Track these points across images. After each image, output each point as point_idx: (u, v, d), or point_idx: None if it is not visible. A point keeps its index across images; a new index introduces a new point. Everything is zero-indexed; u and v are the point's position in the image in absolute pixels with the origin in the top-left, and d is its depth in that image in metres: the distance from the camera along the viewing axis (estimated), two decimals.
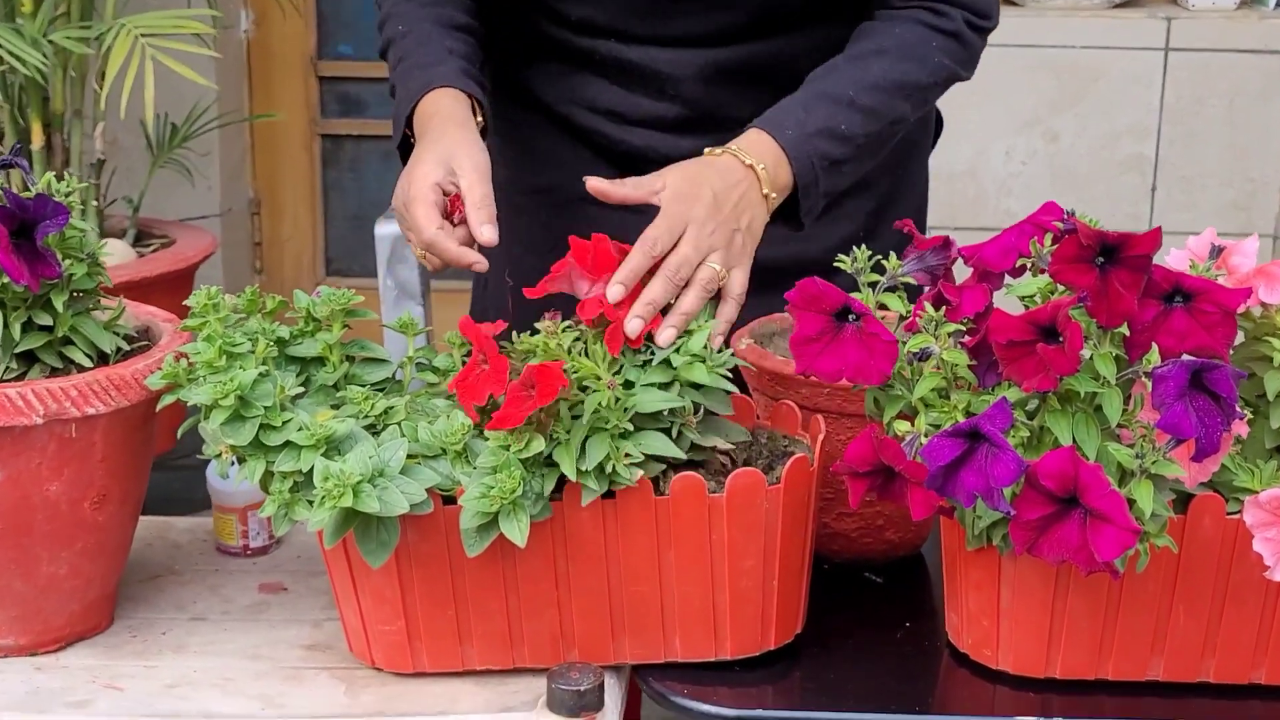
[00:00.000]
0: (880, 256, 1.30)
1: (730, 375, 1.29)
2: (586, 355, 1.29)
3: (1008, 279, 1.27)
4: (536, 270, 1.37)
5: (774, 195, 1.48)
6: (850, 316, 1.22)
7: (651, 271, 1.35)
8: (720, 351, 1.29)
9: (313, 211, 3.68)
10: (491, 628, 1.30)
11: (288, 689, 1.31)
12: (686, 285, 1.36)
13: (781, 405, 1.40)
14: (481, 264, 1.41)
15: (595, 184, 1.42)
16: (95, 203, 2.65)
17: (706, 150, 1.49)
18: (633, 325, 1.31)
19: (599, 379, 1.24)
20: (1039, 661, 1.30)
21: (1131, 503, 1.15)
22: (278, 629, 1.42)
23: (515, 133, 1.73)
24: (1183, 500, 1.25)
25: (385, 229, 2.03)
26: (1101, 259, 1.17)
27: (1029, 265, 1.24)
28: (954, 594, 1.34)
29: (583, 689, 1.25)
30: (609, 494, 1.25)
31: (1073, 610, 1.27)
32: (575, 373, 1.26)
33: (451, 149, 1.46)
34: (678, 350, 1.29)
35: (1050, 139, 3.41)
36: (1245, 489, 1.25)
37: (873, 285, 1.29)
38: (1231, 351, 1.37)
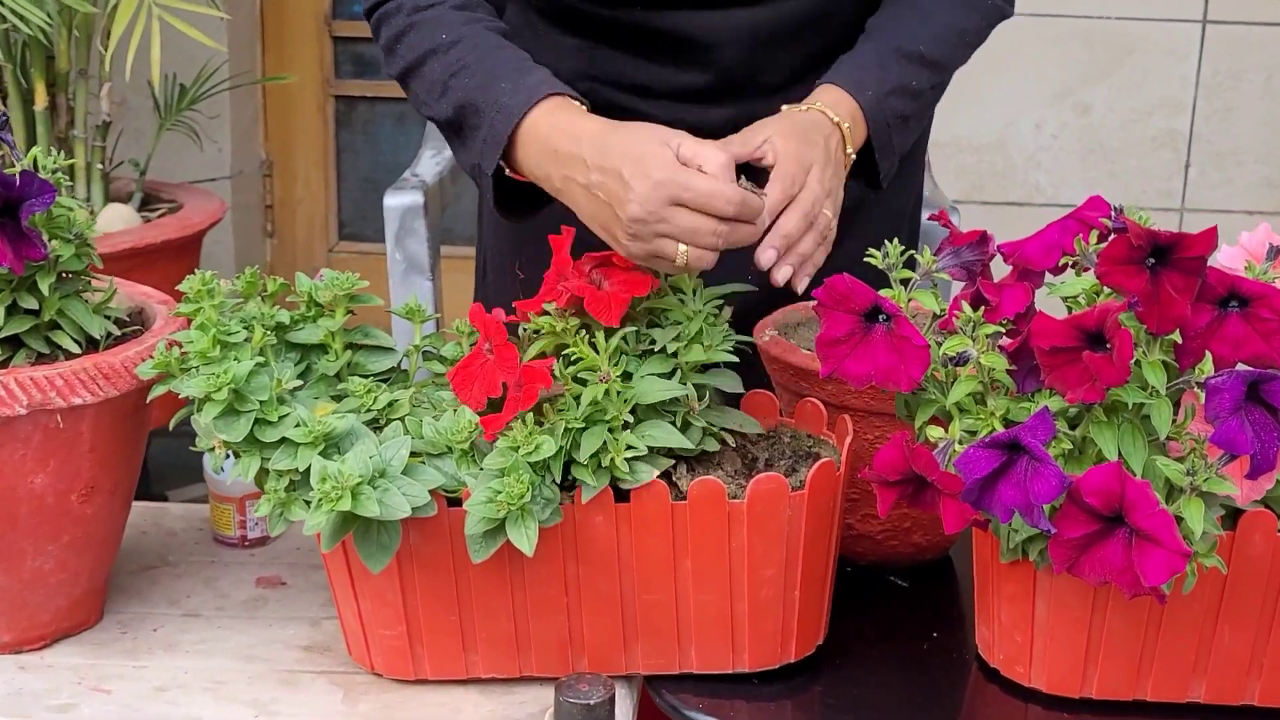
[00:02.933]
0: (911, 250, 1.22)
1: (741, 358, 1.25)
2: (592, 343, 1.22)
3: (1049, 278, 1.19)
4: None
5: (852, 155, 1.43)
6: (881, 317, 1.15)
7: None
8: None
9: (325, 174, 3.60)
10: (497, 634, 1.23)
11: (282, 694, 1.25)
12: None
13: (806, 403, 1.33)
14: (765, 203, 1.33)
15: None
16: (100, 166, 2.59)
17: (786, 107, 1.43)
18: (783, 272, 1.29)
19: (594, 371, 1.18)
20: (1075, 681, 1.23)
21: (1179, 520, 1.08)
22: (274, 628, 1.36)
23: None
24: (1230, 515, 1.18)
25: (395, 200, 1.96)
26: (1153, 260, 1.09)
27: (1073, 264, 1.17)
28: (985, 607, 1.27)
29: (592, 702, 1.18)
30: (623, 497, 1.19)
31: (1111, 628, 1.20)
32: (575, 361, 1.20)
33: (650, 127, 1.32)
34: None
35: (1081, 112, 3.32)
36: None
37: (905, 282, 1.22)
38: None
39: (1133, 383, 1.09)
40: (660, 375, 1.23)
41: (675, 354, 1.24)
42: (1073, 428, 1.13)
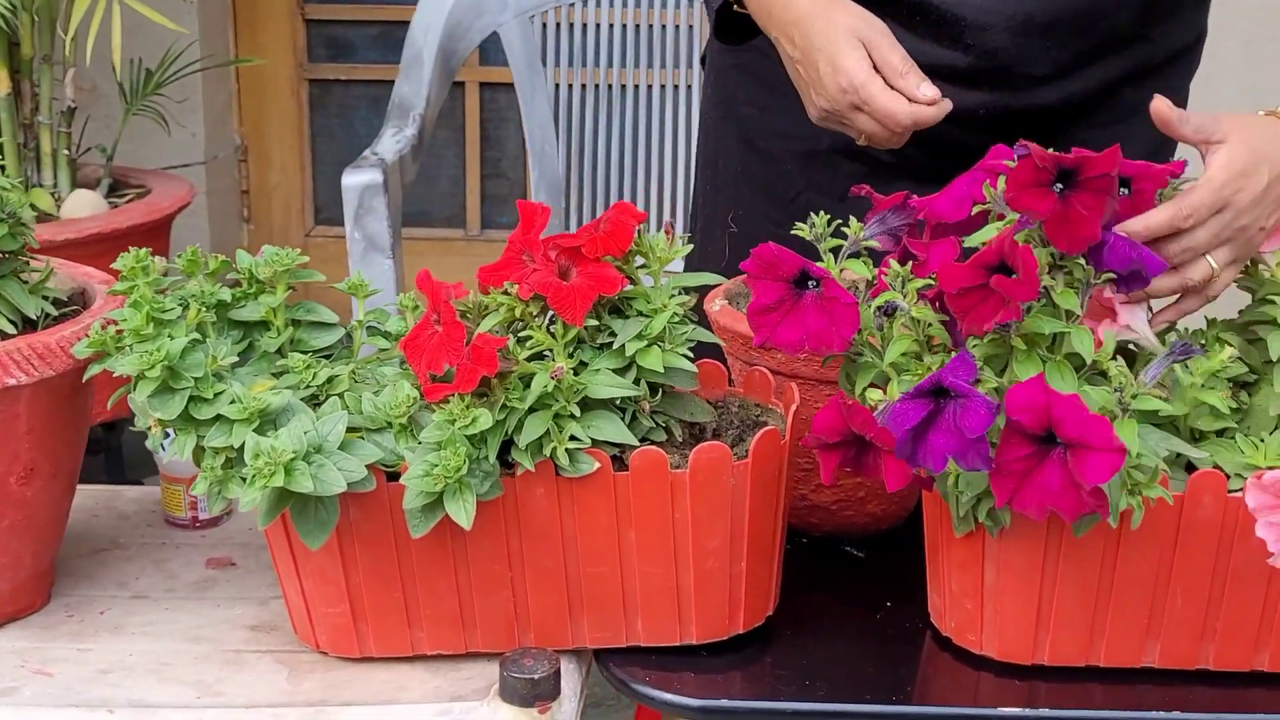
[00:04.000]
0: (841, 222, 1.21)
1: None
2: (549, 327, 1.19)
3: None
4: (767, 220, 1.29)
5: None
6: (810, 283, 1.13)
7: None
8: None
9: (300, 158, 3.58)
10: (441, 610, 1.22)
11: (227, 675, 1.24)
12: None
13: (754, 372, 1.32)
14: (946, 105, 1.39)
15: (1162, 106, 1.26)
16: (66, 151, 2.57)
17: (1273, 110, 1.33)
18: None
19: (543, 359, 1.16)
20: (1026, 647, 1.21)
21: None
22: (222, 608, 1.34)
23: (770, 71, 1.59)
24: (1184, 472, 1.16)
25: (353, 179, 1.95)
26: (1060, 184, 1.08)
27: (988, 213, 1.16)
28: (936, 574, 1.26)
29: (537, 677, 1.17)
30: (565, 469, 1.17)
31: (1061, 594, 1.19)
32: (529, 344, 1.18)
33: (854, 16, 1.42)
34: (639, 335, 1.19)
35: None
36: (1249, 464, 1.16)
37: (835, 251, 1.20)
38: (1239, 313, 1.28)
39: (1046, 313, 1.08)
40: (615, 370, 1.20)
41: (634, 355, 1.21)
42: (1001, 374, 1.11)
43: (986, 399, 1.04)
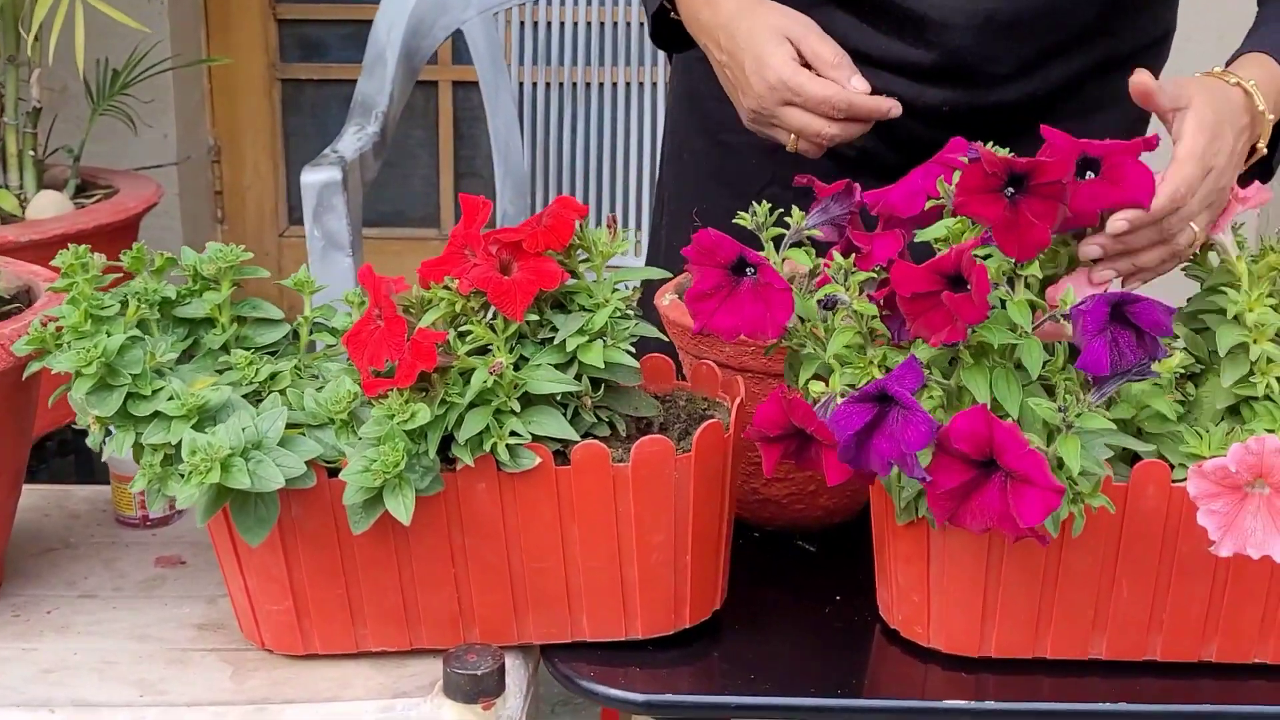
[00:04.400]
0: (783, 211, 1.20)
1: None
2: (490, 322, 1.19)
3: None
4: (731, 214, 1.27)
5: (1263, 149, 1.34)
6: (747, 270, 1.13)
7: None
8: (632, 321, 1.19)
9: (274, 158, 3.57)
10: (385, 607, 1.21)
11: (171, 674, 1.23)
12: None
13: (700, 366, 1.31)
14: (896, 109, 1.39)
15: (1142, 77, 1.25)
16: (32, 152, 2.56)
17: (1211, 72, 1.34)
18: (1102, 274, 1.22)
19: (485, 354, 1.15)
20: (973, 640, 1.21)
21: (1061, 462, 1.06)
22: (170, 606, 1.34)
23: None
24: (1127, 464, 1.16)
25: (312, 176, 1.94)
26: (1010, 189, 1.08)
27: (944, 208, 1.15)
28: (883, 567, 1.25)
29: (480, 673, 1.17)
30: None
31: (1007, 584, 1.18)
32: (470, 340, 1.17)
33: (779, 15, 1.42)
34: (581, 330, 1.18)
35: None
36: (1193, 454, 1.16)
37: (777, 241, 1.20)
38: (1186, 301, 1.28)
39: (999, 324, 1.07)
40: (556, 365, 1.19)
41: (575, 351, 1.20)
42: (947, 377, 1.11)
43: (929, 417, 1.03)
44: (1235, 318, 1.18)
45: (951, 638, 1.21)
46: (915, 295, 1.05)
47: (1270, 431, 1.14)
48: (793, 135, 1.40)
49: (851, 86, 1.38)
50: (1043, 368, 1.08)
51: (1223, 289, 1.22)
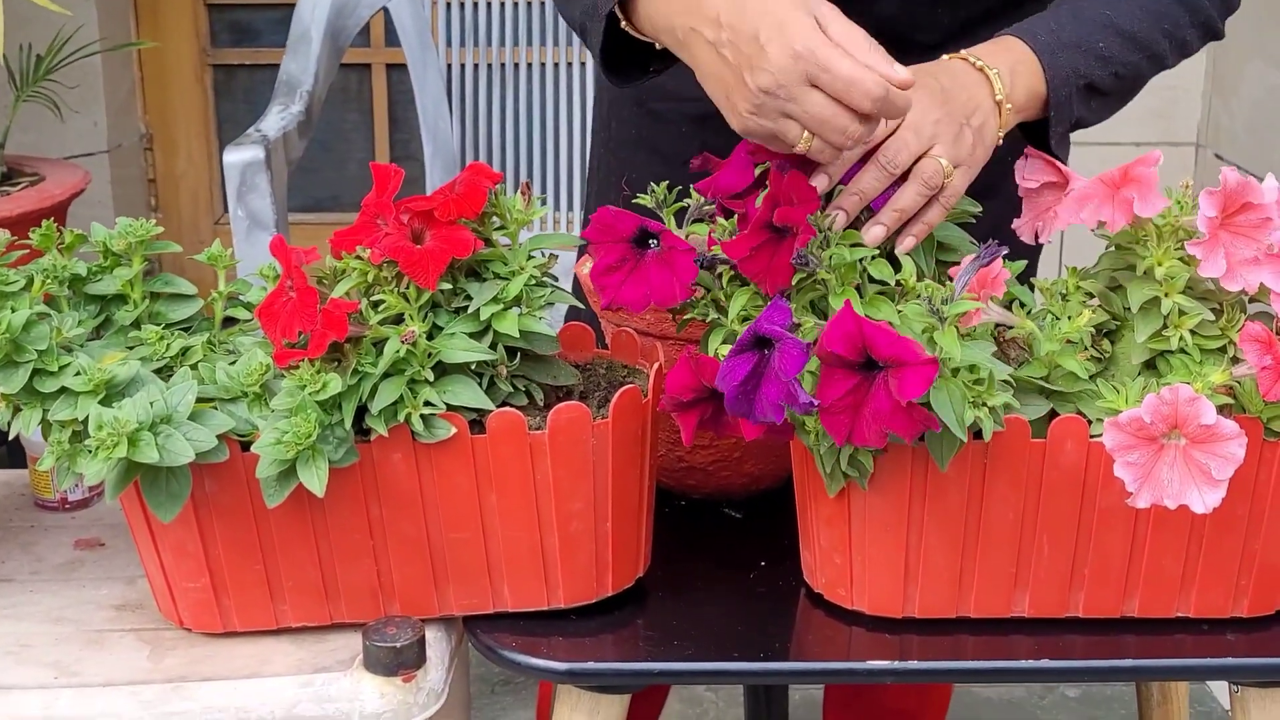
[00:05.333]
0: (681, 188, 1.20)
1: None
2: (403, 291, 1.17)
3: None
4: (660, 181, 1.24)
5: (1010, 107, 1.30)
6: (650, 240, 1.12)
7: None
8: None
9: (207, 145, 3.54)
10: (304, 581, 1.20)
11: (87, 655, 1.21)
12: (905, 178, 1.21)
13: (620, 333, 1.30)
14: (910, 82, 1.16)
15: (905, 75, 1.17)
16: None
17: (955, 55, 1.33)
18: (874, 233, 1.18)
19: (399, 324, 1.14)
20: (896, 600, 1.21)
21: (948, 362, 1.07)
22: (88, 589, 1.32)
23: None
24: (1042, 421, 1.16)
25: (234, 156, 1.92)
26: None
27: None
28: (806, 530, 1.25)
29: (399, 645, 1.16)
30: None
31: (929, 544, 1.18)
32: (382, 309, 1.16)
33: None
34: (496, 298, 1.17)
35: None
36: (1110, 409, 1.16)
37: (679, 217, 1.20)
38: (1098, 259, 1.28)
39: (845, 240, 1.09)
40: (471, 334, 1.18)
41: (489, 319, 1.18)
42: (824, 317, 1.11)
43: (799, 341, 1.03)
44: (1145, 273, 1.18)
45: (875, 599, 1.21)
46: (752, 252, 1.06)
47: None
48: (806, 133, 1.15)
49: (894, 74, 1.14)
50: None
51: (1131, 246, 1.22)
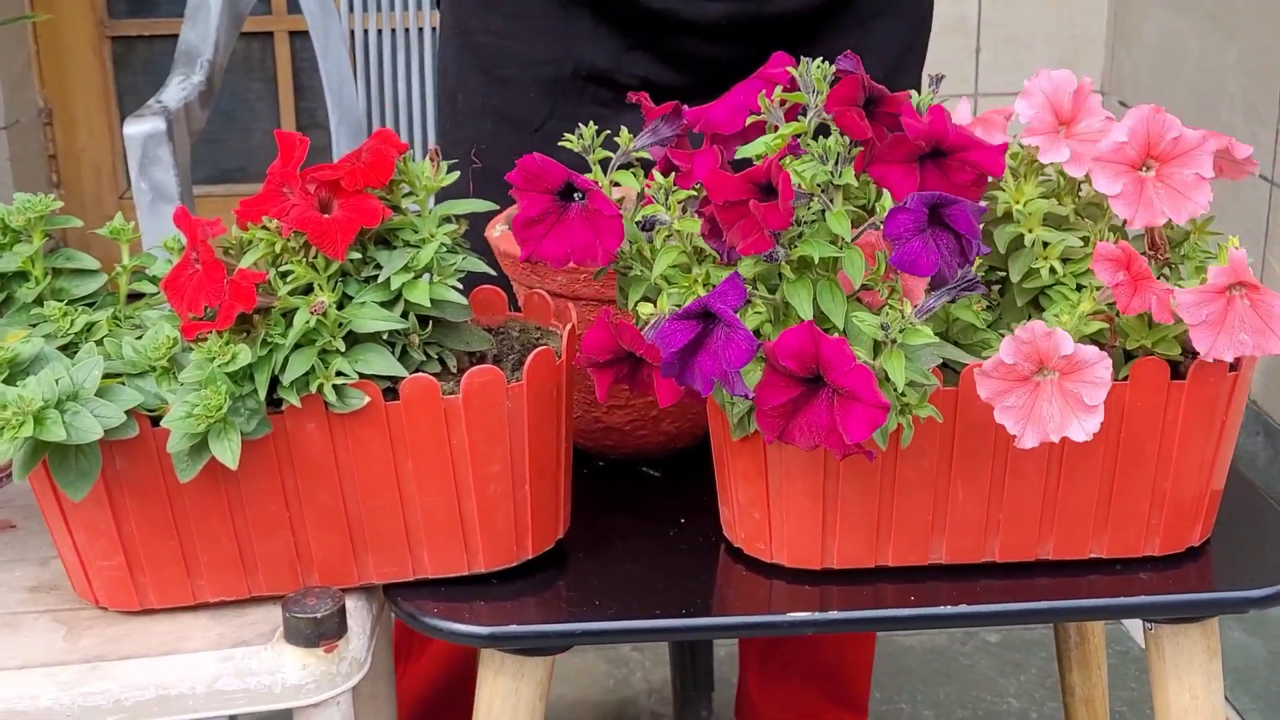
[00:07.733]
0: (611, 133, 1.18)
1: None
2: (311, 261, 1.16)
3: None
4: (512, 151, 1.22)
5: None
6: (575, 195, 1.11)
7: None
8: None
9: (109, 118, 3.48)
10: (220, 556, 1.19)
11: (1, 638, 1.19)
12: None
13: (532, 295, 1.30)
14: None
15: None
16: None
17: None
18: None
19: (309, 294, 1.12)
20: (814, 552, 1.21)
21: (887, 377, 1.07)
22: (0, 571, 1.30)
23: None
24: (956, 371, 1.17)
25: (135, 128, 1.88)
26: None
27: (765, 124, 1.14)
28: (724, 485, 1.25)
29: (320, 615, 1.15)
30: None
31: (845, 495, 1.19)
32: (291, 279, 1.14)
33: None
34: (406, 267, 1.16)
35: None
36: None
37: (604, 164, 1.18)
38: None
39: (819, 237, 1.07)
40: (382, 303, 1.17)
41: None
42: (773, 293, 1.10)
43: (749, 334, 1.02)
44: (1006, 214, 1.18)
45: (793, 552, 1.22)
46: (728, 203, 1.04)
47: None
48: None
49: None
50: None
51: (993, 193, 1.22)
